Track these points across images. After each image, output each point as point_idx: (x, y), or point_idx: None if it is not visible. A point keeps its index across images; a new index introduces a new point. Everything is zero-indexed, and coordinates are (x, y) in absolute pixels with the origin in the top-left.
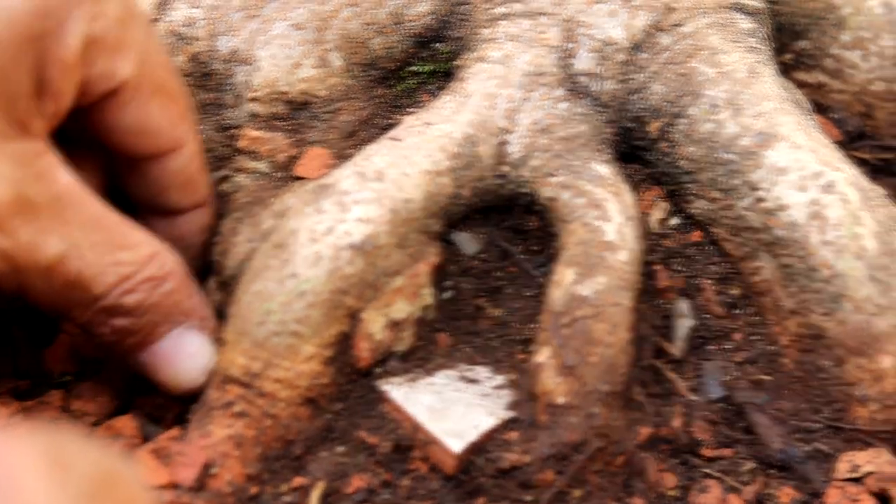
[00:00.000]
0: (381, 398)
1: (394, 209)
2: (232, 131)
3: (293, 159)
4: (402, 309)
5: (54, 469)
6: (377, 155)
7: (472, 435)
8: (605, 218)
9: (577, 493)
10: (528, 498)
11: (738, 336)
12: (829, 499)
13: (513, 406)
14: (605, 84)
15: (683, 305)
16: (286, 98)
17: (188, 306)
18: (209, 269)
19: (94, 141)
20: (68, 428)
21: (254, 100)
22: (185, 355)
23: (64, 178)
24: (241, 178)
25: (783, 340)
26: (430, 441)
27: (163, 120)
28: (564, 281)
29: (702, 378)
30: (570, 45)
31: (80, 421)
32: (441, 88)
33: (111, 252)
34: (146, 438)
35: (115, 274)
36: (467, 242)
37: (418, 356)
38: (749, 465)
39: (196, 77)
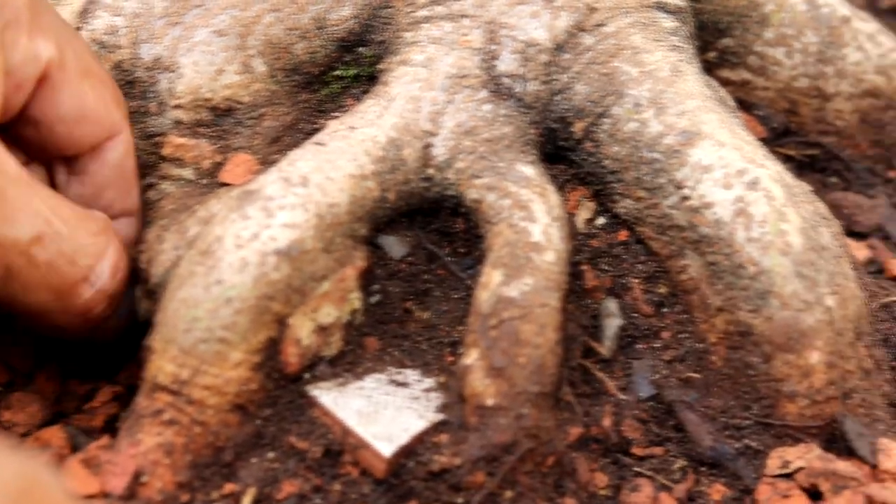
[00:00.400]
0: (311, 403)
1: (319, 214)
2: (156, 139)
3: (218, 166)
4: (329, 314)
5: None
6: (302, 160)
7: (403, 438)
8: (531, 219)
9: (507, 494)
10: (459, 500)
11: (666, 334)
12: (760, 495)
13: (442, 409)
14: (529, 85)
15: (611, 305)
16: (210, 105)
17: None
18: (135, 277)
19: (34, 154)
20: None
21: (178, 107)
22: None
23: (15, 166)
24: (166, 186)
25: (711, 338)
26: (361, 445)
27: (98, 104)
28: (491, 283)
29: (631, 377)
30: (493, 47)
31: (10, 431)
32: (365, 92)
33: (82, 230)
34: (76, 448)
35: (93, 250)
36: (394, 246)
37: (347, 361)
38: (680, 462)
39: (120, 85)
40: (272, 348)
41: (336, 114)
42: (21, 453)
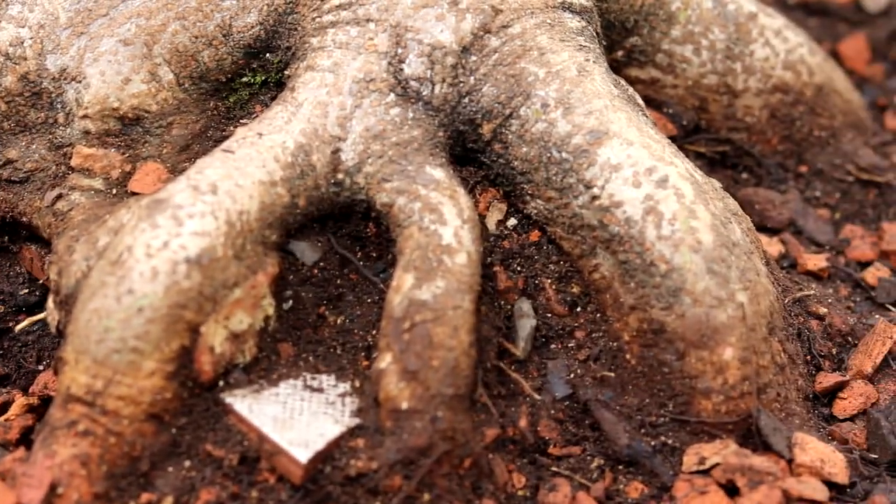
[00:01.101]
0: (226, 411)
1: (229, 221)
2: (65, 149)
3: (128, 175)
4: (242, 321)
5: None
6: (210, 167)
7: (319, 444)
8: (442, 221)
9: (425, 497)
10: None
11: (580, 334)
12: (677, 492)
13: (358, 413)
14: (436, 88)
15: (525, 305)
16: (118, 114)
17: None
18: (46, 288)
19: None
20: None
21: (85, 117)
22: None
23: None
24: (75, 196)
25: (625, 336)
26: (277, 451)
27: None
28: (403, 286)
29: (546, 377)
30: (400, 51)
31: None
32: (273, 99)
33: None
34: None
35: None
36: (306, 251)
37: (261, 367)
38: (597, 461)
39: (26, 97)
40: (186, 357)
41: (245, 121)
42: None
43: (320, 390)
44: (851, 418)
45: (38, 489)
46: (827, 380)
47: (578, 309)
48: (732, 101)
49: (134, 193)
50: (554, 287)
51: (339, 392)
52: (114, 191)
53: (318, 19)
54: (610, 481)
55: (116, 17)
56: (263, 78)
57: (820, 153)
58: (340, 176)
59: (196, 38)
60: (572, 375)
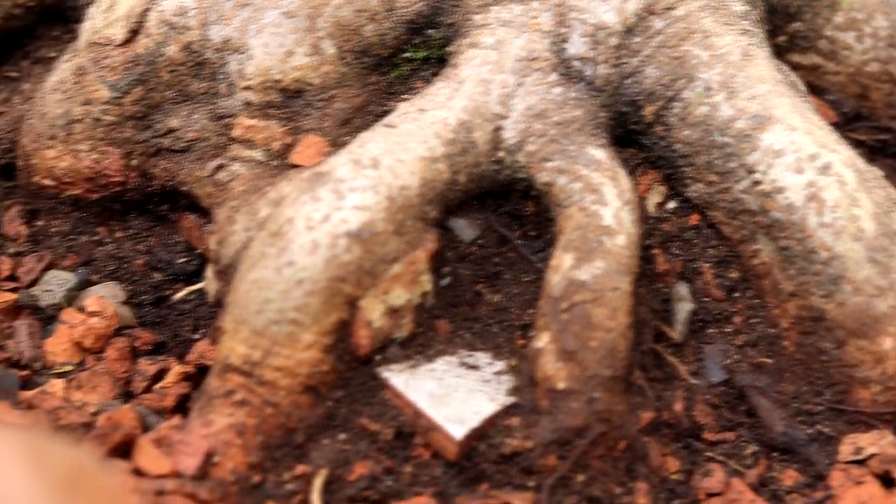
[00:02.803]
0: (382, 385)
1: (390, 196)
2: (226, 120)
3: (288, 147)
4: (400, 296)
5: (31, 463)
6: (372, 142)
7: (474, 421)
8: (603, 202)
9: (579, 477)
10: (531, 483)
11: (738, 319)
12: (832, 481)
13: (513, 392)
14: (599, 68)
15: (683, 289)
16: (280, 86)
17: None
18: (204, 257)
19: None
20: (43, 425)
21: (247, 88)
22: None
23: None
24: (236, 167)
25: (783, 323)
26: (432, 427)
27: None
28: (562, 266)
29: (703, 362)
30: (563, 30)
31: (80, 411)
32: (435, 75)
33: None
34: (147, 428)
35: None
36: (465, 229)
37: (418, 343)
38: (752, 448)
39: (189, 67)
40: (343, 330)
41: (406, 96)
42: (70, 444)
43: (476, 368)
44: None
45: (193, 457)
46: None
47: (736, 294)
48: (894, 89)
49: (294, 166)
50: (712, 271)
51: (494, 370)
52: (274, 162)
53: None
54: (764, 468)
55: None
56: (425, 54)
57: None
58: (501, 154)
59: (359, 12)
60: (729, 361)
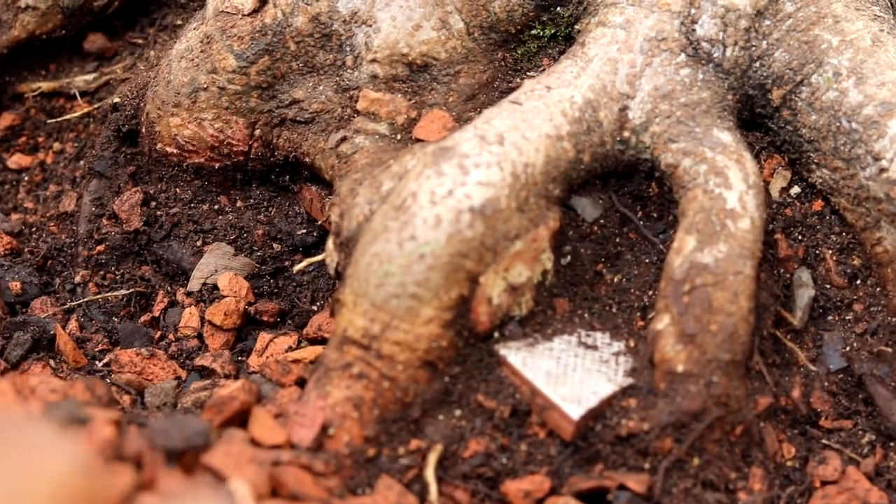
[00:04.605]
0: (500, 362)
1: (514, 173)
2: (351, 92)
3: (413, 121)
4: (521, 273)
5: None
6: (497, 118)
7: (591, 401)
8: (727, 185)
9: (695, 461)
10: (646, 465)
11: (858, 307)
12: None
13: (631, 373)
14: (728, 51)
15: (804, 275)
16: (406, 60)
17: None
18: (324, 229)
19: None
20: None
21: (374, 61)
22: None
23: None
24: (360, 140)
25: None
26: (549, 406)
27: None
28: (685, 248)
29: (822, 349)
30: (693, 11)
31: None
32: (562, 53)
33: None
34: (262, 397)
35: None
36: (587, 208)
37: (537, 321)
38: (868, 436)
39: (316, 38)
40: (463, 306)
41: (532, 73)
42: (73, 450)
43: (594, 348)
44: None
45: (309, 429)
46: None
47: (858, 282)
48: None
49: (419, 140)
50: (834, 258)
51: (613, 351)
52: (398, 136)
53: None
54: (881, 457)
55: None
56: (553, 31)
57: None
58: (626, 134)
59: None
60: (848, 348)
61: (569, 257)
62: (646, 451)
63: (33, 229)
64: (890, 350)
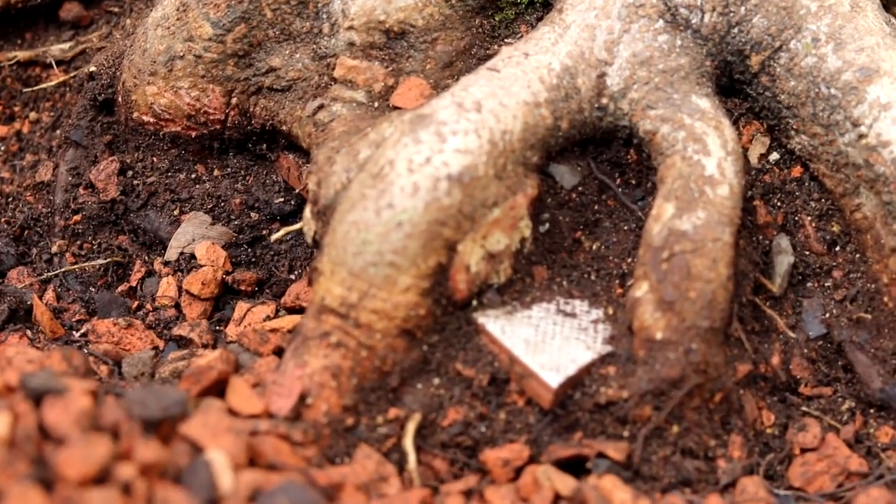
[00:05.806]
0: (478, 330)
1: (492, 140)
2: (328, 60)
3: (390, 89)
4: (499, 241)
5: None
6: (475, 85)
7: (570, 369)
8: (706, 152)
9: (674, 429)
10: (625, 433)
11: (838, 273)
12: None
13: (610, 340)
14: (706, 17)
15: (783, 241)
16: (383, 27)
17: None
18: (302, 198)
19: None
20: None
21: (350, 28)
22: None
23: None
24: (337, 107)
25: (884, 279)
26: (527, 374)
27: None
28: (663, 215)
29: (801, 315)
30: None
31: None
32: (539, 19)
33: None
34: (240, 368)
35: None
36: (565, 175)
37: (515, 289)
38: (848, 403)
39: (292, 5)
40: (441, 274)
41: (509, 40)
42: None
43: (573, 315)
44: None
45: (287, 398)
46: None
47: (837, 248)
48: None
49: (396, 108)
50: (814, 225)
51: (591, 318)
52: (375, 104)
53: None
54: (860, 424)
55: None
56: None
57: None
58: (604, 101)
59: None
60: (827, 315)
61: (547, 225)
62: (625, 419)
63: (9, 199)
64: (869, 317)
